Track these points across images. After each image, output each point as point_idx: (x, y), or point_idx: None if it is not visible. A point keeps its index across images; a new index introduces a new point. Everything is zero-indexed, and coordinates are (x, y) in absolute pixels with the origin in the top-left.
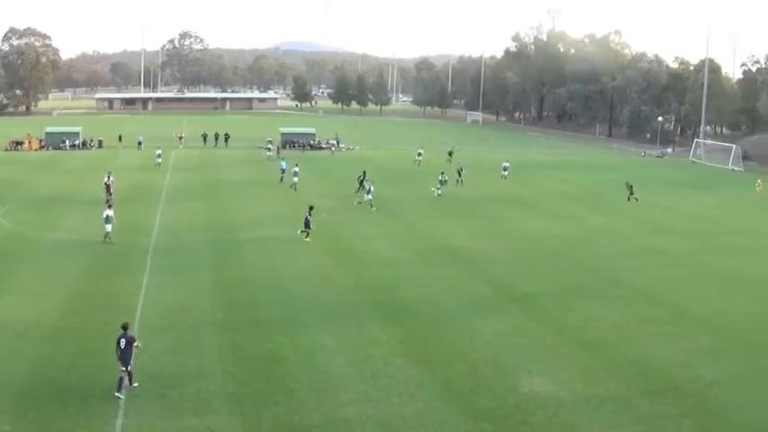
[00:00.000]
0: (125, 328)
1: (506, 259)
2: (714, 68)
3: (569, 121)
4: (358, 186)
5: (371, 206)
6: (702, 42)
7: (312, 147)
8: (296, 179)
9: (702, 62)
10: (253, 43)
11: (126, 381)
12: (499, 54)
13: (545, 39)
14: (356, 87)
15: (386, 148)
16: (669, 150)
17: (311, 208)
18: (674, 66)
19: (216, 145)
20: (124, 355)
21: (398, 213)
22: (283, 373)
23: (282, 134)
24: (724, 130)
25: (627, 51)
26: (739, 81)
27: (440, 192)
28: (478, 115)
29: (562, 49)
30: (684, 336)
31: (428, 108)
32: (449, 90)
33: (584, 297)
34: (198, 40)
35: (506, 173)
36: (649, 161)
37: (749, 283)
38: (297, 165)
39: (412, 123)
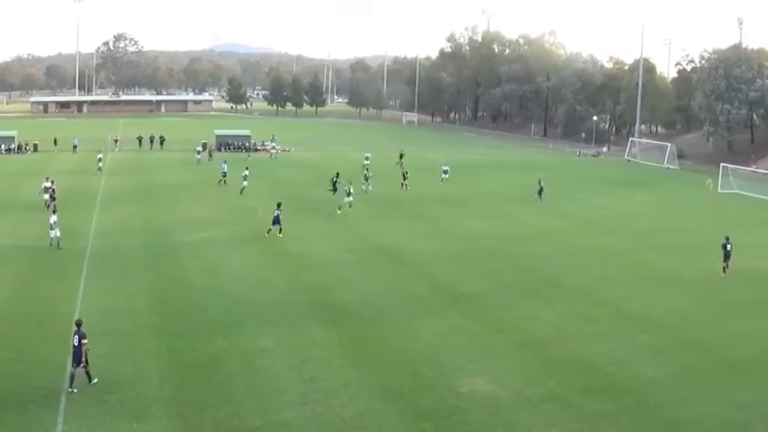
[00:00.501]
0: (78, 324)
1: (444, 260)
2: (649, 68)
3: (504, 121)
4: (332, 189)
5: (350, 206)
6: (637, 42)
7: (248, 149)
8: (245, 183)
9: (637, 62)
10: (188, 45)
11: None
12: (434, 55)
13: (480, 39)
14: (291, 89)
15: (322, 150)
16: (604, 149)
17: (279, 205)
18: (609, 65)
19: (151, 148)
20: (75, 352)
21: (335, 215)
22: (222, 376)
23: (217, 136)
24: (659, 128)
25: (562, 52)
26: (674, 80)
27: (368, 188)
28: (414, 116)
29: (497, 50)
30: (622, 334)
31: (363, 109)
32: (384, 91)
33: (523, 296)
34: (133, 42)
35: (446, 176)
36: (585, 160)
37: (684, 280)
38: (247, 168)
39: (347, 125)
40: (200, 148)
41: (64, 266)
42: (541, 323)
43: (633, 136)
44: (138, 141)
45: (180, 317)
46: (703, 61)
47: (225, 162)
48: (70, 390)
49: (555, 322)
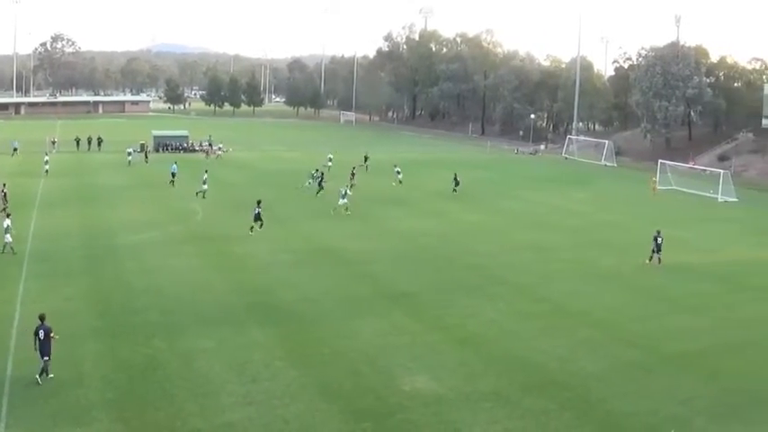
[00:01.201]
0: (42, 318)
1: (385, 259)
2: (586, 66)
3: (442, 119)
4: (318, 187)
5: (346, 209)
6: (574, 40)
7: (185, 149)
8: (205, 186)
9: (574, 60)
10: (125, 45)
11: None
12: (372, 54)
13: (417, 38)
14: (229, 88)
15: (260, 150)
16: (542, 147)
17: (259, 202)
18: (546, 64)
19: (89, 149)
20: (43, 346)
21: (276, 215)
22: (163, 378)
23: (155, 137)
24: (596, 126)
25: (499, 50)
26: (611, 78)
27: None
28: (352, 115)
29: (434, 49)
30: (563, 330)
31: (301, 108)
32: (321, 90)
33: (463, 294)
34: (70, 43)
35: (400, 176)
36: (522, 158)
37: (623, 276)
38: (206, 171)
39: (285, 124)
40: (131, 150)
41: (3, 270)
42: (482, 321)
43: (571, 134)
44: (75, 143)
45: (120, 319)
46: (641, 59)
47: (175, 163)
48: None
49: (496, 320)
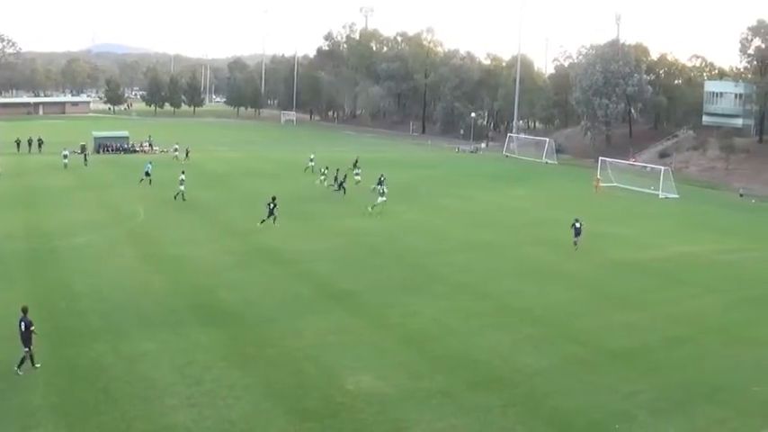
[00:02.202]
0: (24, 311)
1: (326, 258)
2: (526, 64)
3: (383, 118)
4: (337, 187)
5: (383, 206)
6: (515, 39)
7: (126, 150)
8: (182, 188)
9: (514, 58)
10: (65, 46)
11: (28, 360)
12: (312, 53)
13: (358, 37)
14: (169, 89)
15: (201, 150)
16: (483, 145)
17: (274, 198)
18: (487, 62)
19: (30, 151)
20: (24, 337)
21: (215, 216)
22: (106, 381)
23: (96, 138)
24: (537, 124)
25: (439, 49)
26: (551, 76)
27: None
28: (292, 115)
29: (375, 48)
30: (506, 327)
31: (242, 108)
32: (262, 90)
33: (405, 292)
34: (10, 44)
35: (358, 177)
36: (463, 156)
37: (563, 273)
38: (183, 172)
39: (226, 124)
40: (66, 153)
41: None
42: (425, 319)
43: (511, 132)
44: (16, 145)
45: (62, 322)
46: (581, 57)
47: (150, 162)
48: (31, 367)
49: (439, 318)
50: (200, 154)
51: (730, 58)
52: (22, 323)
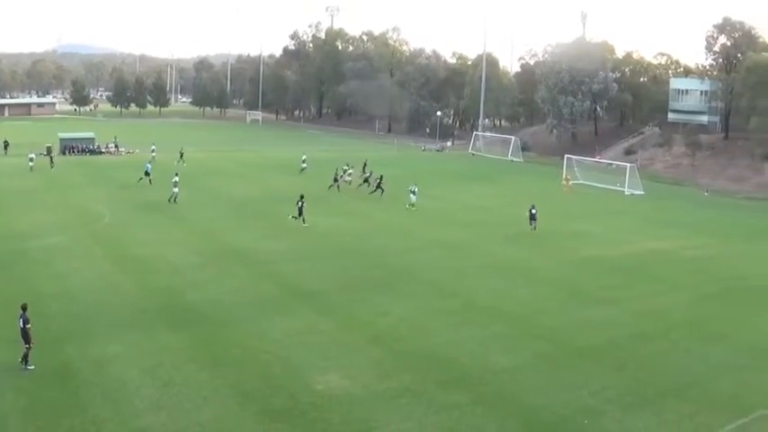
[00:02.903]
0: (23, 308)
1: (294, 258)
2: (492, 62)
3: (349, 117)
4: (377, 188)
5: (412, 206)
6: (480, 37)
7: (92, 152)
8: (176, 189)
9: (480, 57)
10: (30, 46)
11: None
12: (278, 53)
13: (323, 37)
14: (135, 89)
15: (167, 151)
16: (449, 144)
17: (302, 197)
18: (453, 61)
19: None
20: (23, 333)
21: (182, 216)
22: (76, 384)
23: (62, 140)
24: (503, 122)
25: (405, 48)
26: (517, 74)
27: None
28: (258, 114)
29: (341, 47)
30: (474, 325)
31: (207, 108)
32: (228, 90)
33: (373, 292)
34: None
35: (304, 165)
36: (429, 155)
37: (530, 270)
38: (177, 174)
39: (191, 124)
40: (32, 156)
41: None
42: (393, 318)
43: (477, 130)
44: None
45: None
46: (546, 55)
47: (149, 162)
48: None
49: (407, 316)
50: (164, 155)
51: (696, 55)
52: (21, 320)
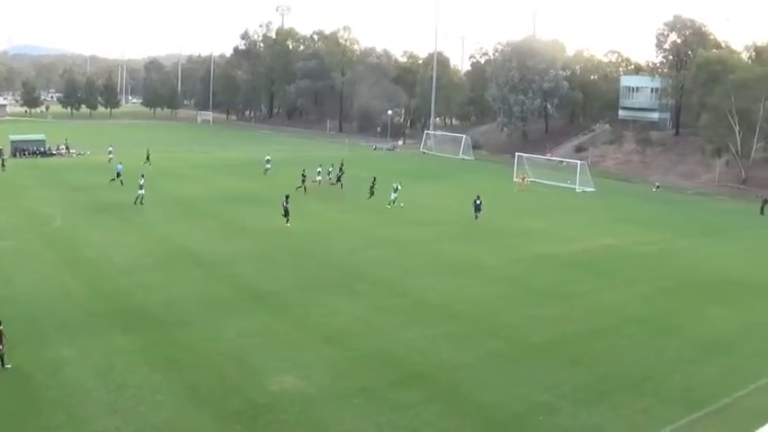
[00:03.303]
0: None
1: (246, 259)
2: (443, 61)
3: (300, 117)
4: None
5: (395, 203)
6: (431, 36)
7: (44, 154)
8: (142, 191)
9: (431, 56)
10: None
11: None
12: (229, 53)
13: (274, 36)
14: (85, 90)
15: (118, 152)
16: (400, 143)
17: (287, 197)
18: (403, 60)
19: None
20: None
21: (132, 218)
22: (29, 389)
23: (12, 142)
24: (454, 121)
25: (356, 47)
26: (468, 73)
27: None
28: (209, 115)
29: (291, 47)
30: (426, 323)
31: (158, 109)
32: (179, 90)
33: (326, 292)
34: None
35: (269, 166)
36: (381, 154)
37: (482, 268)
38: (143, 176)
39: (142, 125)
40: None
41: None
42: (346, 317)
43: (428, 129)
44: None
45: None
46: (497, 54)
47: (120, 163)
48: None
49: (359, 316)
50: (117, 156)
51: (646, 53)
52: None
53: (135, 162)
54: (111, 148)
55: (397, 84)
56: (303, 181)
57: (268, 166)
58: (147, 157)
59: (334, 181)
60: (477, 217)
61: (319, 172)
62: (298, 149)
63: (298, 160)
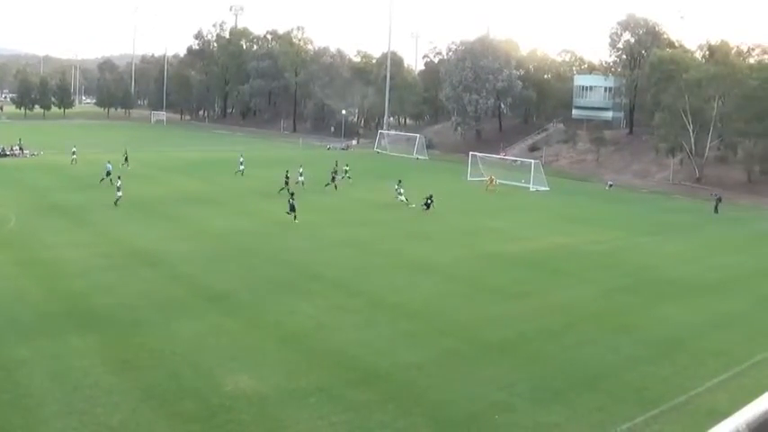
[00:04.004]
0: None
1: (199, 259)
2: (396, 61)
3: (254, 117)
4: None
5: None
6: (385, 36)
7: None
8: (120, 193)
9: (385, 55)
10: None
11: None
12: (182, 52)
13: (228, 36)
14: (39, 91)
15: (71, 153)
16: (354, 142)
17: (293, 194)
18: (357, 60)
19: None
20: None
21: (87, 219)
22: None
23: None
24: (408, 120)
25: (310, 47)
26: (421, 72)
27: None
28: (163, 115)
29: (245, 46)
30: (381, 323)
31: (112, 109)
32: (132, 90)
33: (281, 292)
34: None
35: (242, 167)
36: (334, 154)
37: (438, 266)
38: (120, 177)
39: (96, 125)
40: None
41: None
42: (301, 317)
43: (382, 128)
44: None
45: None
46: (451, 53)
47: (109, 162)
48: None
49: (314, 315)
50: (69, 156)
51: (600, 52)
52: None
53: (95, 162)
54: (74, 149)
55: (351, 83)
56: (287, 183)
57: (242, 167)
58: (126, 159)
59: (329, 181)
60: (427, 208)
61: (301, 173)
62: (252, 149)
63: (250, 160)
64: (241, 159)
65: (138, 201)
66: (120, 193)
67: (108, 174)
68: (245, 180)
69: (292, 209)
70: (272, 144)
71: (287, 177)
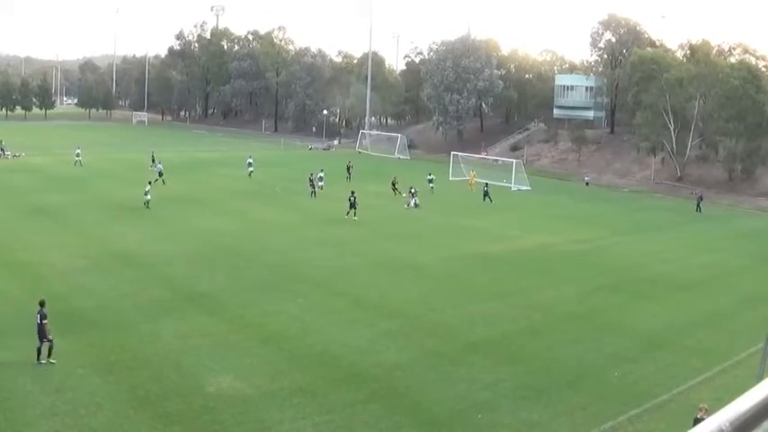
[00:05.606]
0: (42, 304)
1: (181, 260)
2: (377, 61)
3: (235, 117)
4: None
5: (416, 206)
6: (366, 36)
7: None
8: (148, 197)
9: (366, 55)
10: None
11: (45, 352)
12: (164, 53)
13: (209, 36)
14: (20, 92)
15: (52, 154)
16: (335, 143)
17: (353, 192)
18: (338, 60)
19: None
20: (40, 329)
21: (69, 220)
22: None
23: None
24: (389, 120)
25: (291, 47)
26: (403, 72)
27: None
28: (144, 115)
29: (226, 47)
30: (363, 323)
31: (93, 110)
32: (113, 91)
33: (263, 292)
34: None
35: (251, 168)
36: (316, 154)
37: (420, 266)
38: (150, 182)
39: (78, 126)
40: None
41: None
42: (283, 318)
43: (364, 128)
44: None
45: None
46: (432, 53)
47: (160, 162)
48: (38, 362)
49: (297, 316)
50: (51, 157)
51: (581, 51)
52: (38, 315)
53: (60, 162)
54: (78, 150)
55: (332, 83)
56: (311, 183)
57: (251, 168)
58: (153, 160)
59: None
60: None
61: (321, 177)
62: (233, 150)
63: (233, 160)
64: (249, 161)
65: (120, 202)
66: (148, 197)
67: (161, 174)
68: (227, 181)
69: (352, 206)
70: (254, 144)
71: (311, 181)
